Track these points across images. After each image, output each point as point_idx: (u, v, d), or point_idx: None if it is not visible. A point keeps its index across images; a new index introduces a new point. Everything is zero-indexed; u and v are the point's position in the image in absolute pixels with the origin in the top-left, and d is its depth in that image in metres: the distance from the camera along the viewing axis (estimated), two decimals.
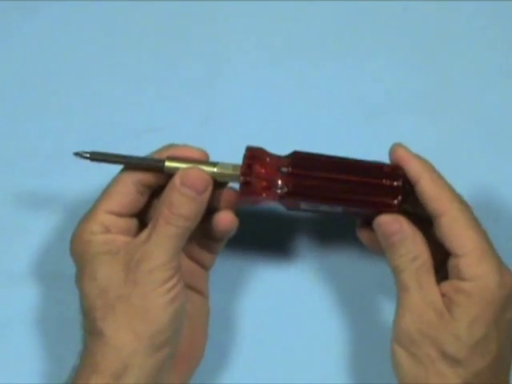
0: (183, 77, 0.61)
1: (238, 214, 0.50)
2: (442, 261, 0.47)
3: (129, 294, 0.45)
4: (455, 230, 0.45)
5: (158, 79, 0.61)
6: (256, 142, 0.48)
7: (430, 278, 0.46)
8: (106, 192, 0.48)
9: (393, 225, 0.47)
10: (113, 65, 0.62)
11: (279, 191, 0.47)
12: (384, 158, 0.49)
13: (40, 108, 0.61)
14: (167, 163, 0.47)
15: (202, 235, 0.50)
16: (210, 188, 0.47)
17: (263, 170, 0.47)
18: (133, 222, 0.49)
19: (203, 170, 0.47)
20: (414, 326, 0.45)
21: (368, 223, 0.49)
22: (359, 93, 0.61)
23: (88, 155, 0.48)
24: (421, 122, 0.59)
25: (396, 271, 0.47)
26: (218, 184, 0.48)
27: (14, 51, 0.62)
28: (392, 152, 0.48)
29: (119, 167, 0.48)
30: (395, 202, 0.47)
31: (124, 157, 0.48)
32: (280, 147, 0.48)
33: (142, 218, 0.49)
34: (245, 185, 0.47)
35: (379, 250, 0.50)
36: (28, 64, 0.62)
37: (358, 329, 0.55)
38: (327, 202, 0.48)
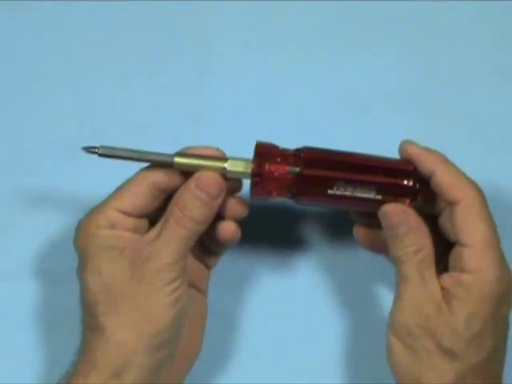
0: (173, 73, 0.61)
1: None
2: (442, 254, 0.47)
3: (133, 292, 0.45)
4: (467, 219, 0.45)
5: (147, 76, 0.61)
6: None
7: (431, 271, 0.46)
8: (118, 190, 0.47)
9: (399, 215, 0.46)
10: (102, 62, 0.61)
11: (291, 192, 0.47)
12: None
13: (30, 107, 0.60)
14: (176, 159, 0.46)
15: (207, 237, 0.49)
16: (223, 194, 0.47)
17: (274, 170, 0.47)
18: (142, 222, 0.48)
19: (218, 175, 0.46)
20: (413, 319, 0.45)
21: (365, 224, 0.50)
22: (348, 89, 0.61)
23: (97, 150, 0.46)
24: (409, 118, 0.60)
25: (398, 262, 0.46)
26: (228, 189, 0.47)
27: (2, 50, 0.62)
28: (402, 151, 0.47)
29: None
30: (410, 182, 0.47)
31: (133, 151, 0.47)
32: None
33: (154, 219, 0.48)
34: (256, 185, 0.47)
35: (373, 248, 0.50)
36: (17, 62, 0.61)
37: (357, 322, 0.56)
38: (338, 202, 0.47)
